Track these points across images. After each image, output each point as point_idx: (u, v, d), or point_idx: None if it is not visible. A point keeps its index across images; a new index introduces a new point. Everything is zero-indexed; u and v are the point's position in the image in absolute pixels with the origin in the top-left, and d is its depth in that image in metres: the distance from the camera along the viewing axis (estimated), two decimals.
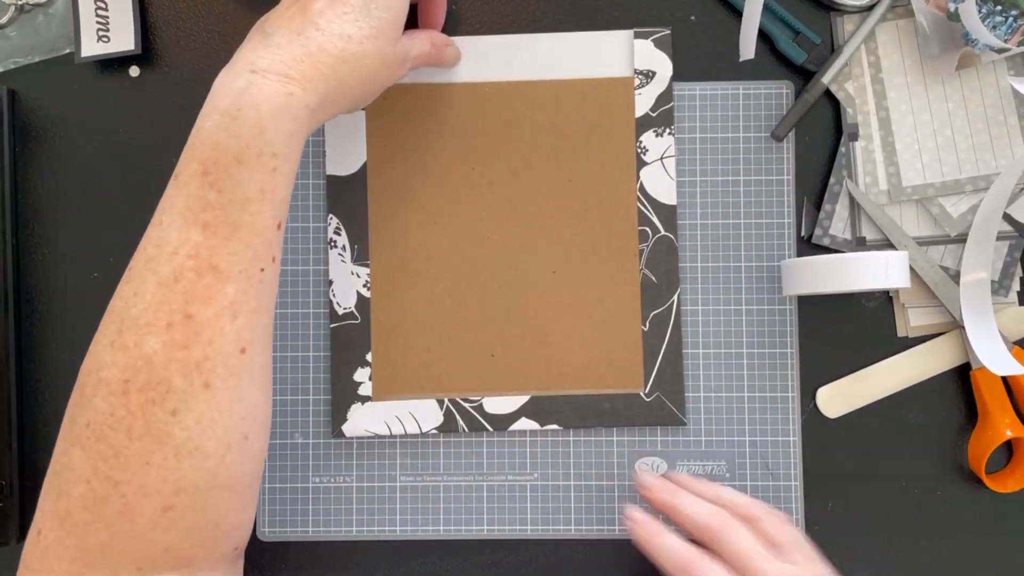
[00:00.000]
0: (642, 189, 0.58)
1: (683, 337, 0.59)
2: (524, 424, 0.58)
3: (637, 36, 0.58)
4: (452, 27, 0.60)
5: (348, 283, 0.59)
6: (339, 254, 0.59)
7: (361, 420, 0.59)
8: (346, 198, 0.59)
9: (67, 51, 0.60)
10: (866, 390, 0.59)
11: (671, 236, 0.58)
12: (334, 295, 0.59)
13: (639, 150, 0.58)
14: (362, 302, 0.59)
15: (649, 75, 0.58)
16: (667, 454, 0.59)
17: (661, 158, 0.58)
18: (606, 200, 0.58)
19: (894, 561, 0.60)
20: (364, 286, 0.59)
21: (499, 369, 0.59)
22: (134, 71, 0.60)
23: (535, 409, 0.58)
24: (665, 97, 0.59)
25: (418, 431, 0.59)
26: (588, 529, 0.59)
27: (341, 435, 0.59)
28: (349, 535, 0.60)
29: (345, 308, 0.59)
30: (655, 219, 0.58)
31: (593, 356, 0.58)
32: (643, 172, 0.58)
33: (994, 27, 0.56)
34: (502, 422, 0.58)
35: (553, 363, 0.58)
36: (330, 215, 0.59)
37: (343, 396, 0.59)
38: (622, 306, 0.58)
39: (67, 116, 0.61)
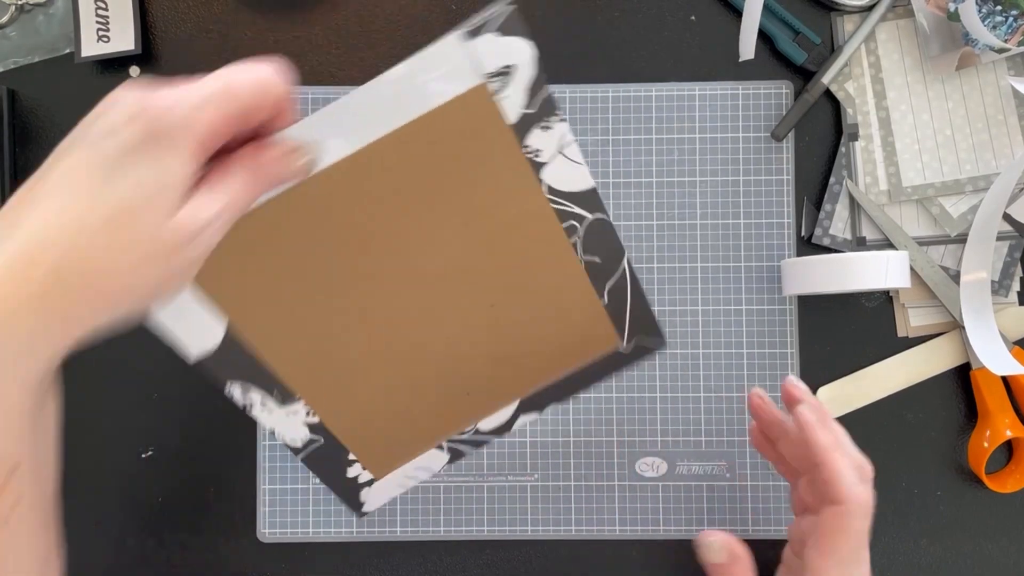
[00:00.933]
0: (551, 190, 0.51)
1: (643, 285, 0.56)
2: (524, 419, 0.57)
3: (471, 35, 0.44)
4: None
5: (290, 425, 0.53)
6: (260, 411, 0.52)
7: (377, 497, 0.57)
8: (231, 365, 0.50)
9: (67, 51, 0.60)
10: (866, 390, 0.59)
11: (600, 215, 0.52)
12: (285, 440, 0.54)
13: (530, 155, 0.49)
14: (316, 427, 0.54)
15: (506, 70, 0.46)
16: (667, 454, 0.59)
17: (560, 150, 0.49)
18: (519, 218, 0.51)
19: (894, 561, 0.60)
20: (308, 414, 0.53)
21: (481, 397, 0.56)
22: (134, 71, 0.60)
23: (529, 405, 0.57)
24: (537, 85, 0.47)
25: (432, 474, 0.58)
26: (588, 530, 0.59)
27: (366, 514, 0.58)
28: (349, 535, 0.60)
29: (303, 441, 0.54)
30: (578, 209, 0.51)
31: (564, 344, 0.55)
32: (544, 173, 0.50)
33: (994, 27, 0.56)
34: (503, 430, 0.57)
35: (530, 369, 0.56)
36: (227, 386, 0.51)
37: (350, 494, 0.57)
38: (575, 299, 0.54)
39: (67, 116, 0.61)
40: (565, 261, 0.52)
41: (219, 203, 0.36)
